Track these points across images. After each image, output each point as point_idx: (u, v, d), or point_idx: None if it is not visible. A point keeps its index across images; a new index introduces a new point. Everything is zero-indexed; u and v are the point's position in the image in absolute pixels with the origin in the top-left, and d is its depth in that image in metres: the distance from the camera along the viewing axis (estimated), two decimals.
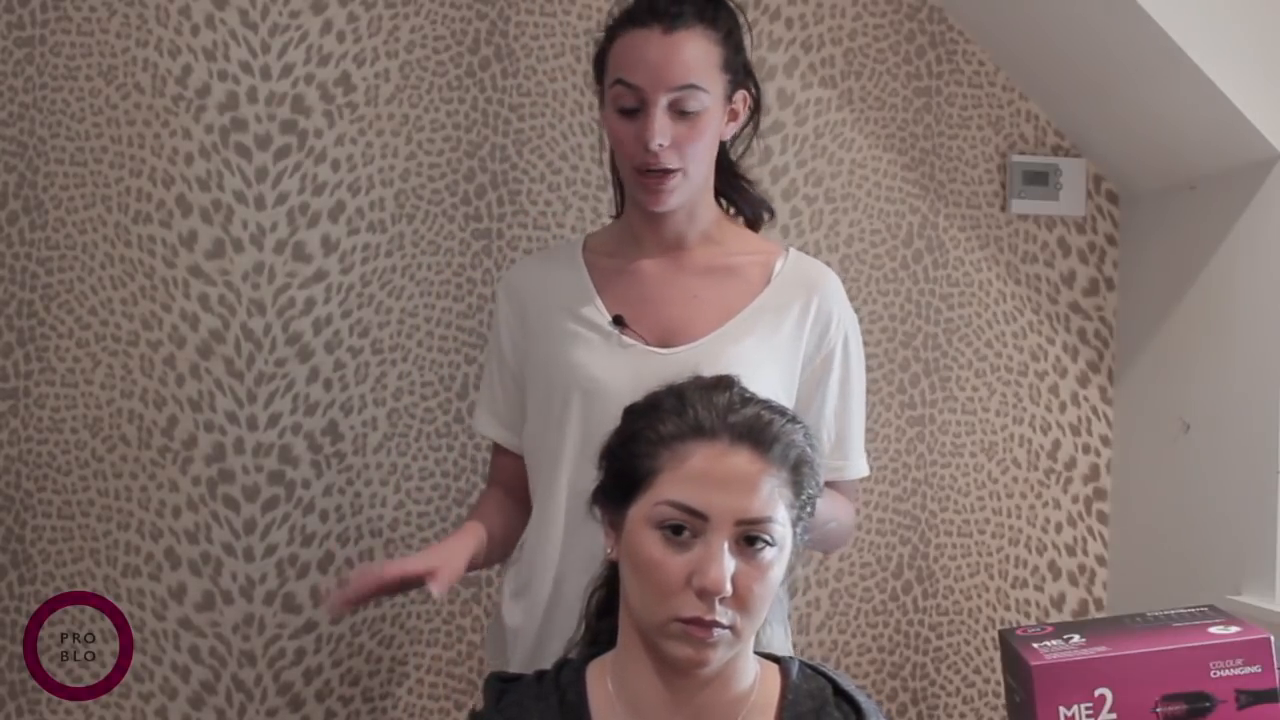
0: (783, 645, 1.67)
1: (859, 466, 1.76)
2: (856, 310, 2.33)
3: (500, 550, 1.75)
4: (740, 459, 1.26)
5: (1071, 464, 2.41)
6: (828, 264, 2.34)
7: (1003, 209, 2.40)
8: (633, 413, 1.35)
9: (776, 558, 1.27)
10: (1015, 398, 2.40)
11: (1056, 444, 2.41)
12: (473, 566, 1.68)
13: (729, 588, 1.23)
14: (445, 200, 2.29)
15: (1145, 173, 2.33)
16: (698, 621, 1.23)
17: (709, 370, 1.37)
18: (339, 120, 2.26)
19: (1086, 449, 2.41)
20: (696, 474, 1.25)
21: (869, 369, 2.33)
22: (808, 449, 1.31)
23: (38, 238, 2.21)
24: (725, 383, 1.33)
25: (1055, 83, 2.34)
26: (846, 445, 1.74)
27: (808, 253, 2.34)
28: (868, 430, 2.34)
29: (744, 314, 1.68)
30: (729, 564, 1.23)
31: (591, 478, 1.38)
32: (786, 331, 1.68)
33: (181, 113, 2.23)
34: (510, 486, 1.78)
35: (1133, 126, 2.25)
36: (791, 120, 2.35)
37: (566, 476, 1.65)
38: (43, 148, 2.21)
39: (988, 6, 2.32)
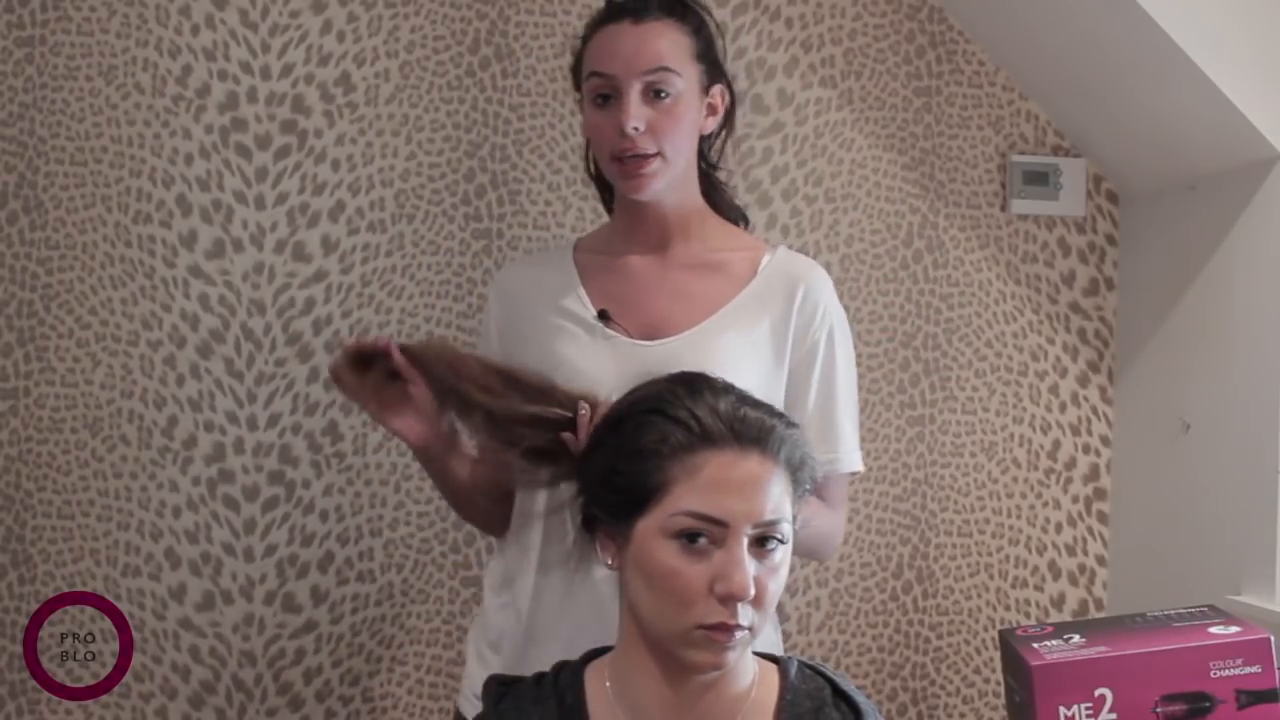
0: (774, 643, 1.67)
1: (849, 460, 1.73)
2: (856, 310, 2.34)
3: (468, 490, 1.70)
4: (751, 464, 1.27)
5: (1071, 464, 2.41)
6: (827, 264, 2.36)
7: (1003, 209, 2.40)
8: (625, 425, 1.33)
9: (785, 555, 1.29)
10: (1015, 398, 2.40)
11: (1056, 444, 2.41)
12: (434, 442, 1.62)
13: (752, 591, 1.24)
14: (445, 200, 2.29)
15: (1145, 173, 2.33)
16: (721, 627, 1.24)
17: (687, 365, 1.37)
18: (339, 120, 2.26)
19: (1086, 449, 2.41)
20: (712, 482, 1.26)
21: (869, 369, 2.34)
22: (807, 452, 1.32)
23: (38, 238, 2.21)
24: (711, 383, 1.33)
25: (1055, 83, 2.34)
26: (833, 438, 1.71)
27: (807, 253, 2.34)
28: (868, 430, 2.34)
29: (727, 309, 1.68)
30: (750, 568, 1.24)
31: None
32: (768, 325, 1.67)
33: (181, 113, 2.23)
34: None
35: (1133, 126, 2.25)
36: (791, 120, 2.35)
37: None
38: (43, 148, 2.21)
39: (988, 6, 2.32)
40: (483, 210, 2.29)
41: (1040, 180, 2.38)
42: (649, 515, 1.27)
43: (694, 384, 1.32)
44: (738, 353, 1.63)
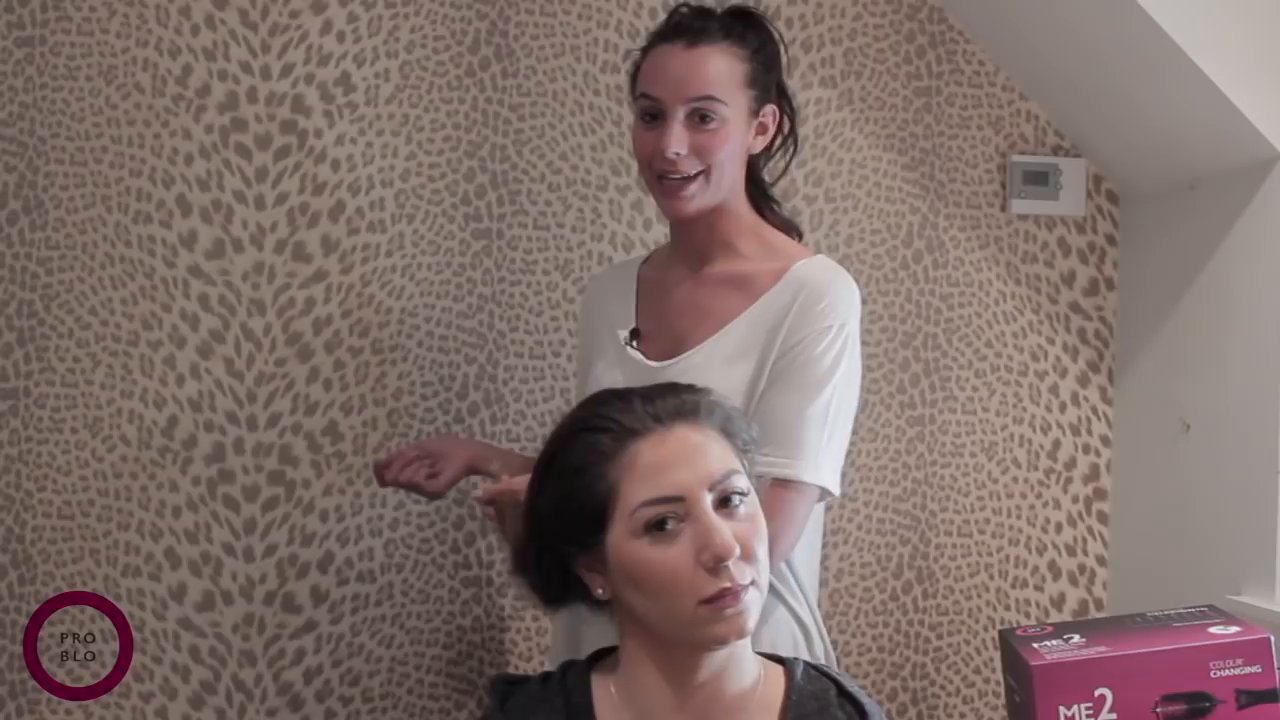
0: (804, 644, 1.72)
1: (807, 471, 1.63)
2: None
3: None
4: (680, 435, 1.29)
5: (1071, 464, 2.41)
6: None
7: (1003, 209, 2.40)
8: (556, 457, 1.34)
9: (754, 507, 1.30)
10: (1015, 398, 2.40)
11: (1056, 444, 2.41)
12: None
13: (737, 547, 1.24)
14: (445, 200, 2.29)
15: (1145, 173, 2.33)
16: (723, 593, 1.24)
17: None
18: (339, 120, 2.26)
19: (1086, 449, 2.41)
20: (652, 466, 1.28)
21: (869, 369, 2.33)
22: (726, 403, 1.35)
23: (38, 238, 2.21)
24: (614, 390, 1.37)
25: (1055, 83, 2.34)
26: (792, 445, 1.62)
27: None
28: (868, 430, 2.34)
29: (732, 324, 1.70)
30: (725, 526, 1.25)
31: None
32: (766, 332, 1.67)
33: (181, 113, 2.23)
34: None
35: (1133, 126, 2.25)
36: None
37: None
38: (43, 148, 2.21)
39: (988, 6, 2.33)
40: (483, 210, 2.29)
41: (1040, 180, 2.38)
42: (612, 527, 1.28)
43: (599, 398, 1.37)
44: (724, 372, 1.65)
